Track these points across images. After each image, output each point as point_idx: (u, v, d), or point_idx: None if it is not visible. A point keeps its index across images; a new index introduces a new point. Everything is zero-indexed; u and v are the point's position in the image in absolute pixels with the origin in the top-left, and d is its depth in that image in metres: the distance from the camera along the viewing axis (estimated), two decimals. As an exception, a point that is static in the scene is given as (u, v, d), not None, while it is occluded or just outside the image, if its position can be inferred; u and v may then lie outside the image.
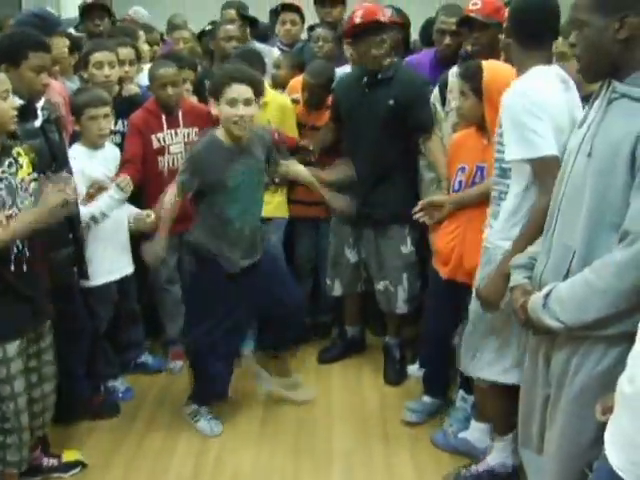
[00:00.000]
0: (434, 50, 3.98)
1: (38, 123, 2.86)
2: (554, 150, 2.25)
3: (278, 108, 3.82)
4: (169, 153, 3.66)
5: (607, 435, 1.55)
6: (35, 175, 2.61)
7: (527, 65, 2.41)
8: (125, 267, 3.50)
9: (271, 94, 3.80)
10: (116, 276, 3.44)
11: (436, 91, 3.64)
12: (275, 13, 4.93)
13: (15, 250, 2.48)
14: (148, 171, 3.63)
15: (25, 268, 2.52)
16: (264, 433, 3.30)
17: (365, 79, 3.54)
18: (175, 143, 3.67)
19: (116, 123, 3.62)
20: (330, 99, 3.84)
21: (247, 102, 2.91)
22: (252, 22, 4.69)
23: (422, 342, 3.48)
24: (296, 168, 3.34)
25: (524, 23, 2.43)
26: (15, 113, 2.52)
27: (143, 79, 3.99)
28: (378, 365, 3.86)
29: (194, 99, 3.91)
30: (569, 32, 2.62)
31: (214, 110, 3.01)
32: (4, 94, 2.47)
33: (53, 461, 2.97)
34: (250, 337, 3.74)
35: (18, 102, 2.59)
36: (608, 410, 1.61)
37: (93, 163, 3.31)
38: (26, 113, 2.77)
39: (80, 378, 3.25)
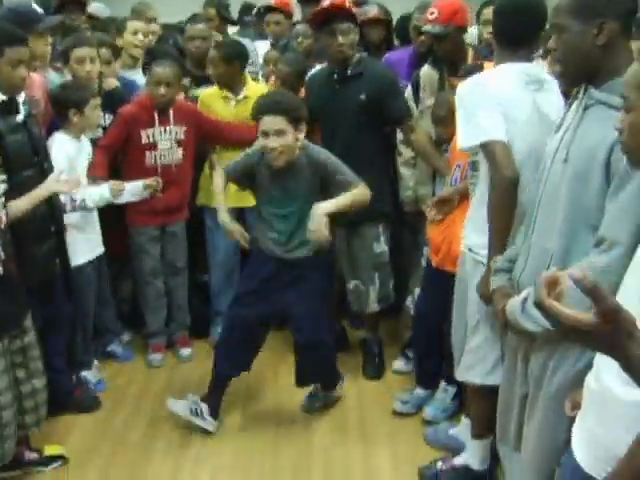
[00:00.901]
0: (412, 47, 4.07)
1: (20, 118, 2.85)
2: (502, 136, 2.29)
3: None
4: (157, 149, 3.70)
5: (574, 431, 1.59)
6: (4, 177, 2.62)
7: (502, 62, 2.46)
8: (98, 247, 3.58)
9: (253, 87, 3.88)
10: (92, 255, 3.51)
11: (409, 90, 3.72)
12: (260, 14, 5.05)
13: None
14: (135, 165, 3.70)
15: (1, 270, 2.50)
16: (244, 428, 3.32)
17: (335, 75, 3.55)
18: (164, 140, 3.70)
19: None
20: (303, 92, 3.85)
21: (279, 133, 2.90)
22: (231, 23, 4.78)
23: (413, 331, 3.54)
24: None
25: (504, 23, 2.47)
26: (24, 82, 2.57)
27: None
28: (356, 360, 3.89)
29: None
30: None
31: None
32: None
33: (34, 455, 2.98)
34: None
35: (0, 97, 2.58)
36: (577, 406, 1.64)
37: (77, 151, 3.40)
38: (9, 108, 2.77)
39: (61, 370, 3.27)
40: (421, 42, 3.91)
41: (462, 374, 2.71)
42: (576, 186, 1.88)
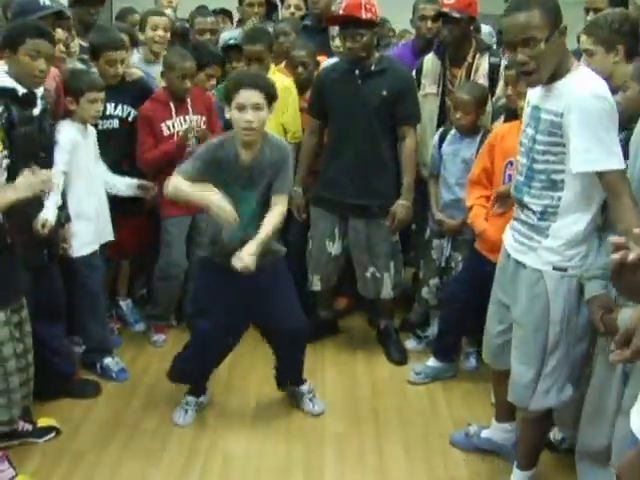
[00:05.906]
0: (412, 41, 4.45)
1: (36, 112, 2.86)
2: (623, 164, 2.18)
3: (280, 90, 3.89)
4: None
5: (635, 408, 1.59)
6: (6, 153, 2.63)
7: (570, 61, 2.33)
8: (107, 235, 3.60)
9: (275, 76, 3.85)
10: (98, 244, 3.52)
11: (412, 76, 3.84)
12: None
13: None
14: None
15: (8, 240, 2.58)
16: (256, 416, 3.34)
17: (357, 71, 3.57)
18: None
19: (116, 107, 3.68)
20: (310, 91, 3.87)
21: (256, 107, 2.83)
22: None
23: (443, 309, 3.65)
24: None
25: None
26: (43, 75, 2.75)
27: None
28: (371, 351, 3.96)
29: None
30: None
31: (228, 116, 2.93)
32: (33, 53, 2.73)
33: (28, 426, 3.03)
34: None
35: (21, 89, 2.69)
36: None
37: (82, 138, 3.39)
38: (27, 100, 2.80)
39: (60, 354, 3.29)
40: (427, 29, 4.13)
41: (539, 402, 2.54)
42: None
